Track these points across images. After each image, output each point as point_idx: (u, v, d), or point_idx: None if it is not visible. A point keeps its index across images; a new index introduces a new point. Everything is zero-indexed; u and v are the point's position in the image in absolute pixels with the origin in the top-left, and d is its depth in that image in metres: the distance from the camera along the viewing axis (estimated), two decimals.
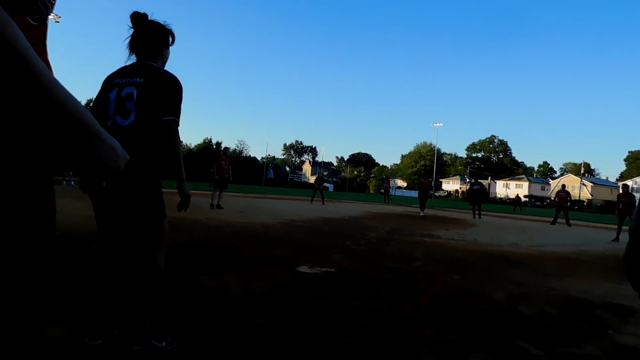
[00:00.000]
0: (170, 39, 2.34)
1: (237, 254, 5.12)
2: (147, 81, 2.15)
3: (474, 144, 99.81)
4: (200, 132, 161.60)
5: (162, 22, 2.29)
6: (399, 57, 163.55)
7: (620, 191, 12.86)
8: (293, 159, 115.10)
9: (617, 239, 11.67)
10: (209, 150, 64.83)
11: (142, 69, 2.21)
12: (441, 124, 79.23)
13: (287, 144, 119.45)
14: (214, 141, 74.75)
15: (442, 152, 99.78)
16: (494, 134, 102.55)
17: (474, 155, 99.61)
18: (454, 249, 7.34)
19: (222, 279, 3.82)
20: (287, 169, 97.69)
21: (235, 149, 77.91)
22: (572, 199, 19.12)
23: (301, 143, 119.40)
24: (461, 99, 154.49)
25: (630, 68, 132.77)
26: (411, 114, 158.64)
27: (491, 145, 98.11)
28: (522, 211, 32.10)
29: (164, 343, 2.17)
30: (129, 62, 2.27)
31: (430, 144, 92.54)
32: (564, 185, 18.28)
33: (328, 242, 6.75)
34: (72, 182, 17.24)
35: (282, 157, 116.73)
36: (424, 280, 4.48)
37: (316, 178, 22.36)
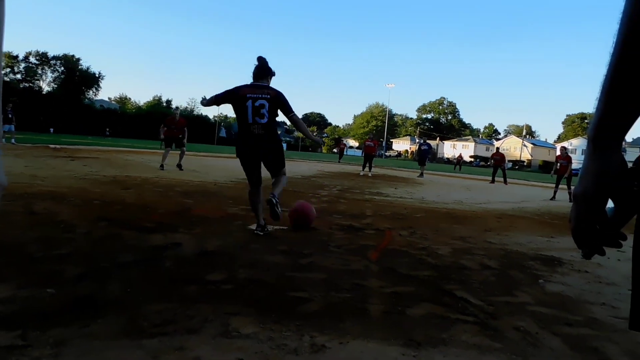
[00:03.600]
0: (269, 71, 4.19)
1: (189, 212, 5.10)
2: (271, 97, 3.99)
3: (424, 105, 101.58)
4: (150, 89, 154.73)
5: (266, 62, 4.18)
6: (351, 16, 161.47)
7: (558, 153, 13.60)
8: None
9: (553, 198, 12.44)
10: (159, 108, 62.59)
11: (266, 89, 4.05)
12: (393, 85, 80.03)
13: None
14: (164, 99, 72.16)
15: (394, 113, 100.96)
16: (444, 96, 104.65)
17: (424, 116, 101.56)
18: (402, 207, 7.61)
19: (175, 238, 3.82)
20: None
21: (187, 107, 75.49)
22: (507, 160, 20.57)
23: None
24: (413, 60, 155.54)
25: (569, 37, 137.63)
26: (364, 74, 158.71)
27: (440, 107, 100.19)
28: (460, 170, 33.50)
29: (279, 208, 4.14)
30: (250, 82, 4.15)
31: (382, 105, 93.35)
32: (497, 148, 20.07)
33: (280, 201, 6.79)
34: (13, 141, 16.29)
35: (234, 115, 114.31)
36: (374, 237, 4.65)
37: None
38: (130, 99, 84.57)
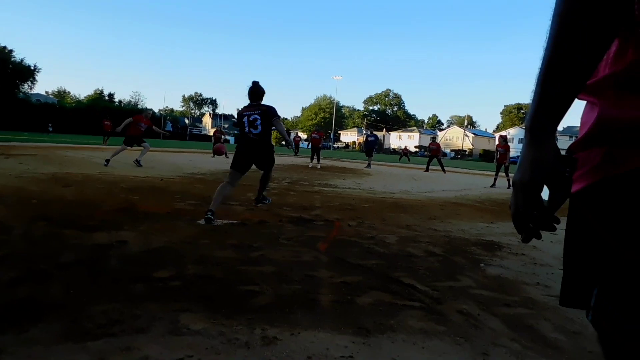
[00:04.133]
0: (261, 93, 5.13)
1: (135, 209, 4.94)
2: (262, 112, 4.92)
3: (370, 97, 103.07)
4: (90, 82, 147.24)
5: (260, 84, 5.13)
6: (298, 11, 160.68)
7: (497, 142, 14.22)
8: (192, 111, 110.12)
9: (493, 185, 13.02)
10: (101, 102, 60.00)
11: (258, 107, 4.99)
12: (341, 78, 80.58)
13: (186, 96, 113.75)
14: (105, 92, 69.23)
15: (341, 105, 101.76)
16: (389, 88, 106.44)
17: (371, 108, 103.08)
18: (350, 198, 7.72)
19: (120, 235, 3.70)
20: (186, 121, 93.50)
21: (130, 101, 72.75)
22: (450, 149, 21.59)
23: (201, 95, 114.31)
24: (360, 53, 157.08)
25: (506, 32, 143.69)
26: (312, 66, 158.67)
27: (387, 99, 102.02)
28: (409, 160, 34.24)
29: (268, 200, 5.72)
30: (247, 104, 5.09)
31: (330, 97, 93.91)
32: (434, 138, 21.19)
33: (230, 195, 6.72)
34: None
35: (181, 109, 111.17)
36: (323, 228, 4.71)
37: (215, 131, 21.78)
38: (69, 92, 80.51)
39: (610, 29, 0.65)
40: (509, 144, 14.10)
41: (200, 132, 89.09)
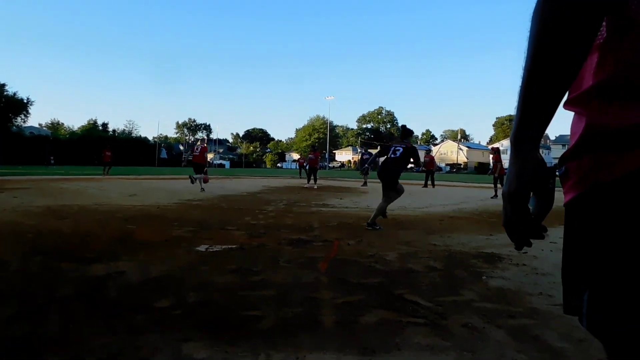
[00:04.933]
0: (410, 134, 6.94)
1: (132, 238, 4.91)
2: (405, 148, 6.38)
3: (363, 116, 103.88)
4: (84, 113, 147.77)
5: (408, 127, 6.85)
6: (290, 34, 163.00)
7: (491, 155, 14.33)
8: (187, 137, 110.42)
9: (495, 196, 13.05)
10: (95, 132, 60.25)
11: (404, 144, 6.47)
12: (333, 98, 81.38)
13: (180, 122, 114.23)
14: (99, 122, 69.59)
15: (335, 124, 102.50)
16: (382, 105, 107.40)
17: (364, 126, 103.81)
18: (348, 217, 7.71)
19: (117, 266, 3.66)
20: (181, 147, 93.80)
21: (124, 130, 73.01)
22: (445, 163, 21.57)
23: (194, 121, 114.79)
24: (351, 72, 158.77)
25: (495, 45, 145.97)
26: (305, 88, 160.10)
27: (379, 116, 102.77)
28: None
29: (379, 227, 6.22)
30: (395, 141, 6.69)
31: (323, 117, 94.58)
32: (428, 152, 21.31)
33: (227, 219, 6.71)
34: None
35: (175, 135, 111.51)
36: (322, 248, 4.69)
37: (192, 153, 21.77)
38: (63, 124, 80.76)
39: (582, 47, 0.67)
40: (502, 155, 14.19)
41: None
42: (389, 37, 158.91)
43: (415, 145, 6.87)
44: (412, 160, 6.46)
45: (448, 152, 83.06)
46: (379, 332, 2.41)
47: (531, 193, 0.76)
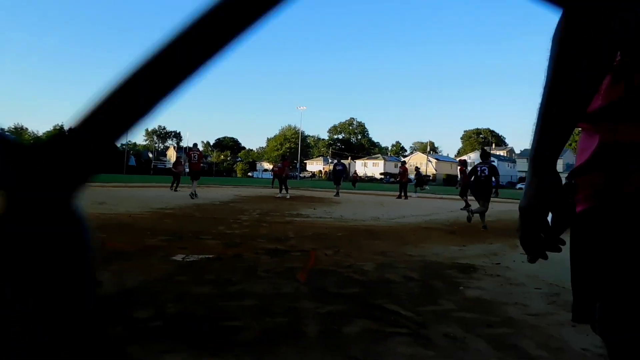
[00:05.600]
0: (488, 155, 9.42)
1: (105, 247, 4.78)
2: (489, 167, 8.70)
3: (335, 126, 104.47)
4: (49, 117, 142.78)
5: (487, 150, 9.84)
6: (264, 41, 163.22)
7: (459, 167, 14.65)
8: (156, 145, 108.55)
9: (466, 207, 13.30)
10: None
11: (488, 163, 8.88)
12: (305, 108, 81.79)
13: (149, 129, 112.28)
14: (66, 127, 67.80)
15: (306, 134, 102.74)
16: (353, 117, 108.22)
17: (335, 136, 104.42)
18: (323, 227, 7.73)
19: None
20: (150, 155, 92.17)
21: None
22: (409, 174, 21.73)
23: (164, 128, 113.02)
24: (324, 83, 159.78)
25: (465, 57, 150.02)
26: (277, 98, 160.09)
27: (350, 127, 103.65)
28: (355, 187, 34.15)
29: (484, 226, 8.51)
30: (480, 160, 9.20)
31: (295, 127, 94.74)
32: (403, 162, 21.56)
33: (201, 229, 6.62)
34: None
35: (144, 143, 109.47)
36: (300, 259, 4.68)
37: (174, 163, 21.49)
38: (27, 129, 78.20)
39: (599, 73, 0.71)
40: (469, 167, 14.52)
41: (165, 165, 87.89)
42: (360, 48, 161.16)
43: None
44: (494, 176, 8.65)
45: (417, 164, 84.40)
46: (363, 342, 2.42)
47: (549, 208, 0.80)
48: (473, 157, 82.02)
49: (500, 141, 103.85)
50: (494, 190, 8.71)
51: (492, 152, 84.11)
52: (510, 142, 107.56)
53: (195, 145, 15.46)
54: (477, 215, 8.77)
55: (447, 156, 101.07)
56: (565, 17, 0.72)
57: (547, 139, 0.76)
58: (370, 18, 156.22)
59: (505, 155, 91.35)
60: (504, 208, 12.70)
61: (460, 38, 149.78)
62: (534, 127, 0.77)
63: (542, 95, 0.75)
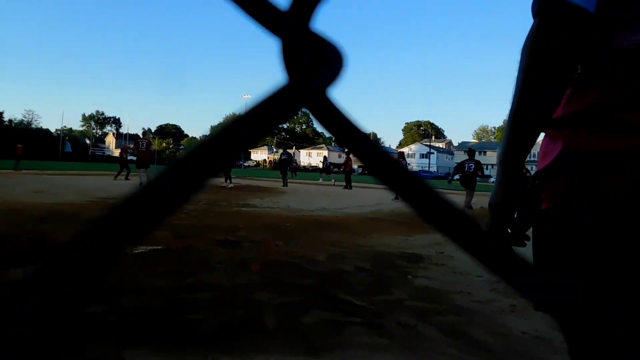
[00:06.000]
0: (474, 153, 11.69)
1: (48, 240, 4.55)
2: (475, 163, 10.97)
3: None
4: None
5: (472, 148, 12.38)
6: (203, 27, 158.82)
7: (397, 157, 15.13)
8: (94, 131, 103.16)
9: (397, 198, 13.74)
10: None
11: (474, 160, 11.07)
12: (250, 96, 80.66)
13: (87, 115, 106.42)
14: None
15: None
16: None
17: (280, 126, 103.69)
18: (271, 217, 7.74)
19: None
20: (88, 141, 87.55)
21: (22, 120, 66.43)
22: (358, 165, 21.98)
23: (103, 114, 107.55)
24: (269, 71, 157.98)
25: (407, 52, 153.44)
26: (220, 85, 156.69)
27: (295, 117, 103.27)
28: (296, 175, 34.06)
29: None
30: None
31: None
32: (348, 153, 21.76)
33: None
34: None
35: (81, 128, 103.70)
36: (251, 249, 4.69)
37: (120, 151, 20.68)
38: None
39: (562, 84, 0.80)
40: (409, 158, 15.05)
41: (104, 152, 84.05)
42: None
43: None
44: (479, 170, 10.74)
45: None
46: (321, 332, 2.49)
47: (515, 206, 0.88)
48: (414, 149, 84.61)
49: (439, 134, 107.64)
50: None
51: (431, 144, 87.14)
52: (448, 134, 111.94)
53: (144, 133, 15.39)
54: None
55: (390, 147, 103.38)
56: (534, 30, 0.78)
57: (514, 144, 0.84)
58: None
59: (444, 147, 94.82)
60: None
61: (403, 36, 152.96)
62: (504, 131, 0.85)
63: (512, 104, 0.82)
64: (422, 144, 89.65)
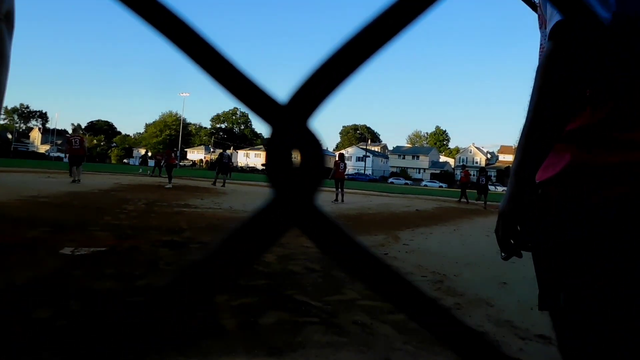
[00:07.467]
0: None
1: None
2: (485, 177, 17.23)
3: (218, 115, 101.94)
4: None
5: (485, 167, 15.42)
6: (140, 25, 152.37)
7: (337, 158, 15.41)
8: (17, 125, 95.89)
9: (336, 200, 14.00)
10: None
11: (485, 174, 17.57)
12: (188, 94, 78.80)
13: (9, 108, 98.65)
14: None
15: (188, 122, 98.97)
16: (237, 106, 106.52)
17: (218, 125, 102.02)
18: (214, 217, 7.64)
19: None
20: (9, 136, 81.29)
21: None
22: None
23: (27, 107, 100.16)
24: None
25: None
26: (157, 81, 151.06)
27: (234, 117, 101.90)
28: (230, 177, 33.75)
29: None
30: None
31: (177, 114, 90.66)
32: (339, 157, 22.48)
33: (85, 219, 6.13)
34: None
35: (2, 122, 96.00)
36: (199, 251, 4.61)
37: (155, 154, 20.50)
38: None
39: (573, 105, 0.87)
40: (347, 161, 15.45)
41: (28, 148, 78.47)
42: (248, 38, 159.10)
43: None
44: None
45: (297, 157, 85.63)
46: (281, 332, 2.53)
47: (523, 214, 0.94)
48: (351, 152, 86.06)
49: (375, 137, 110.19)
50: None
51: (367, 147, 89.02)
52: (384, 139, 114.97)
53: (74, 129, 15.56)
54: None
55: (327, 150, 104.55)
56: (548, 53, 0.85)
57: (529, 157, 0.90)
58: (259, 7, 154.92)
59: (379, 151, 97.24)
60: (381, 201, 13.62)
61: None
62: (518, 145, 0.92)
63: (526, 120, 0.89)
64: (358, 147, 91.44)
